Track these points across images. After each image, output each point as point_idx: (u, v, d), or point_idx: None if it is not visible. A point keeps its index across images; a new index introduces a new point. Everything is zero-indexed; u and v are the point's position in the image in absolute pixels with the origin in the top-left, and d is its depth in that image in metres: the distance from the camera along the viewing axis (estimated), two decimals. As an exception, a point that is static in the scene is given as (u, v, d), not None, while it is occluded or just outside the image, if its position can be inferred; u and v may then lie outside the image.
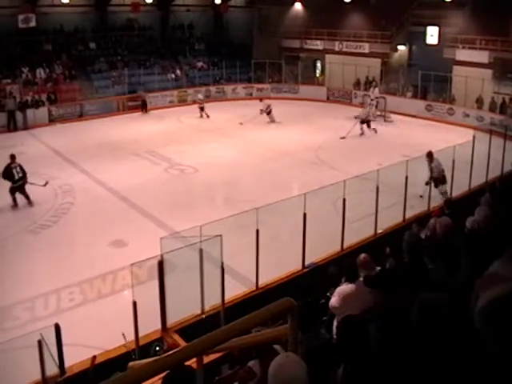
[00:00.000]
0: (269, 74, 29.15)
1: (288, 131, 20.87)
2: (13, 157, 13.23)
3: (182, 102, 27.27)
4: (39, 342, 5.74)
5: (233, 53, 30.38)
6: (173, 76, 28.56)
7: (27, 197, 13.04)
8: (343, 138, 19.22)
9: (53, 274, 9.35)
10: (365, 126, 20.05)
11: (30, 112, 22.60)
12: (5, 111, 22.25)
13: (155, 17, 31.51)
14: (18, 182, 13.00)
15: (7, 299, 8.53)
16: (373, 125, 20.27)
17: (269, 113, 22.44)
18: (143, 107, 25.28)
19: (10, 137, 20.61)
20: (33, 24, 26.33)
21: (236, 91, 28.94)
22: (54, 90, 24.72)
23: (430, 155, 12.35)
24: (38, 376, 5.85)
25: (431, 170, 12.19)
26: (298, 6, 30.95)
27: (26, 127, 22.09)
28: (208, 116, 23.64)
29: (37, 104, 23.48)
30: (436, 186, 12.02)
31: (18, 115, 22.24)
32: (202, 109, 23.87)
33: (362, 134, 19.96)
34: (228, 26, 33.53)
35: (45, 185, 13.43)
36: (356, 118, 20.82)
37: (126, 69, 27.07)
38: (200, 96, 24.81)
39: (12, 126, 22.06)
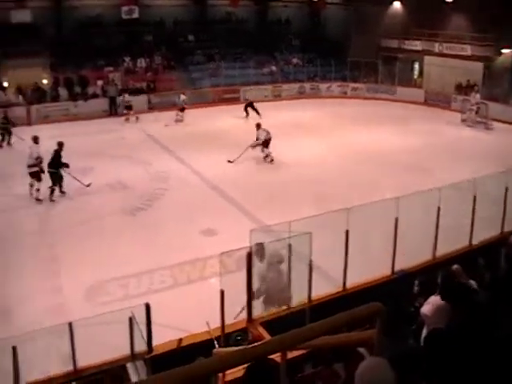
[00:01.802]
0: (364, 73, 28.71)
1: (383, 133, 20.39)
2: (61, 144, 13.60)
3: (277, 96, 27.44)
4: (130, 319, 6.04)
5: (328, 50, 30.12)
6: (268, 70, 28.83)
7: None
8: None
9: (146, 256, 9.79)
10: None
11: (131, 98, 23.62)
12: (107, 97, 23.56)
13: (253, 11, 31.91)
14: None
15: (104, 275, 9.07)
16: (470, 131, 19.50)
17: None
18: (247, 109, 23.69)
19: (112, 121, 21.80)
20: (135, 15, 27.56)
21: (330, 89, 28.74)
22: (153, 80, 25.76)
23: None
24: (126, 351, 6.17)
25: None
26: (396, 4, 30.10)
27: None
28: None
29: (138, 91, 24.58)
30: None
31: (120, 102, 23.41)
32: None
33: None
34: (324, 23, 33.31)
35: (88, 185, 13.79)
36: (463, 121, 20.14)
37: (222, 61, 27.70)
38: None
39: (113, 111, 23.35)
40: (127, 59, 26.77)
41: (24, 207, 12.74)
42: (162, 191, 13.71)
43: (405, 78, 28.25)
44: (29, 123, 21.78)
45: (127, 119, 22.46)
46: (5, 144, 18.86)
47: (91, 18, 27.23)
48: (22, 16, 25.76)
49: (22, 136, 17.81)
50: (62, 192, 13.46)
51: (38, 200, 13.11)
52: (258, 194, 13.29)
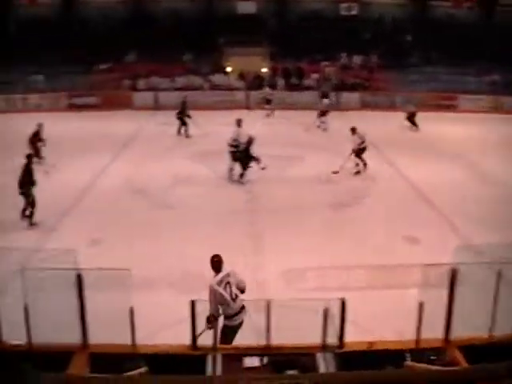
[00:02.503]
0: None
1: None
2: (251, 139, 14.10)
3: (496, 108, 25.35)
4: (325, 311, 6.14)
5: None
6: (489, 80, 26.80)
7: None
8: None
9: (345, 251, 9.93)
10: None
11: (345, 95, 23.85)
12: (320, 91, 23.98)
13: (477, 14, 29.82)
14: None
15: (303, 262, 9.39)
16: None
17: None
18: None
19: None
20: (354, 12, 27.69)
21: None
22: (367, 78, 25.69)
23: None
24: (316, 340, 6.29)
25: None
26: None
27: (338, 108, 23.24)
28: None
29: (353, 88, 24.72)
30: None
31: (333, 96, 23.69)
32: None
33: None
34: None
35: (263, 168, 14.21)
36: None
37: (440, 65, 26.48)
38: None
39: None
40: (343, 55, 27.07)
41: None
42: (368, 190, 13.74)
43: None
44: (247, 107, 23.42)
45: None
46: (182, 132, 19.25)
47: (311, 13, 28.05)
48: (247, 7, 27.71)
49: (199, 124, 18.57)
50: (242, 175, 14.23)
51: (235, 180, 14.19)
52: (471, 207, 12.52)
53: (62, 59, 26.29)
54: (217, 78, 25.24)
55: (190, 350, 5.57)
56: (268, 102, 23.06)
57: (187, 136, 18.88)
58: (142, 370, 4.73)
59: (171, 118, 19.27)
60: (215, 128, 18.81)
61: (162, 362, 5.25)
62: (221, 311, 6.46)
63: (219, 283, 6.38)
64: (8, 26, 29.01)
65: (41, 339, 5.49)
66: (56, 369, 4.88)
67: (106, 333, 5.75)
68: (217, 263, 6.54)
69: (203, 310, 5.83)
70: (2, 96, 24.70)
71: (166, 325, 6.99)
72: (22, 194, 11.01)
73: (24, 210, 11.13)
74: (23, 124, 21.08)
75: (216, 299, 6.32)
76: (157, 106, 23.33)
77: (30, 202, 11.09)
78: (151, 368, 5.03)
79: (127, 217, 11.76)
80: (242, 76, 25.39)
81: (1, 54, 26.60)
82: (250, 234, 10.73)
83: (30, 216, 11.17)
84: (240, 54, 25.74)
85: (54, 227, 11.17)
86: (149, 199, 13.02)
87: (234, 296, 6.51)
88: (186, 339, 5.65)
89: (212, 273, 6.48)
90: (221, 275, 6.47)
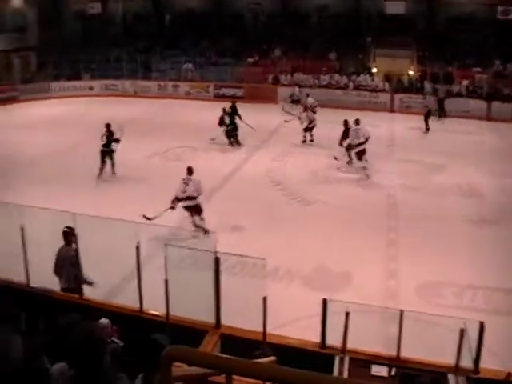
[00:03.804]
0: None
1: None
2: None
3: None
4: (461, 331, 5.74)
5: None
6: None
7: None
8: None
9: (490, 271, 9.24)
10: None
11: (497, 105, 22.27)
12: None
13: None
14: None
15: (439, 277, 8.94)
16: None
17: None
18: None
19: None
20: (512, 17, 25.57)
21: None
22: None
23: None
24: (449, 360, 5.92)
25: None
26: None
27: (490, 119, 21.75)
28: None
29: (507, 98, 22.77)
30: None
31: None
32: None
33: None
34: None
35: None
36: None
37: None
38: None
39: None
40: (497, 62, 25.22)
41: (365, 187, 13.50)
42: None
43: None
44: (391, 110, 22.83)
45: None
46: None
47: (464, 15, 26.45)
48: (396, 8, 26.85)
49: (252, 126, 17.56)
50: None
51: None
52: None
53: (212, 51, 27.59)
54: (361, 79, 24.83)
55: (318, 348, 5.51)
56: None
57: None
58: (272, 358, 4.75)
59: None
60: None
61: (290, 354, 5.25)
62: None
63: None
64: (163, 17, 30.98)
65: (177, 313, 5.75)
66: (188, 344, 5.08)
67: (238, 317, 5.90)
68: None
69: (335, 311, 5.73)
70: (155, 82, 26.57)
71: (296, 318, 7.01)
72: None
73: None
74: (174, 109, 22.66)
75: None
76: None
77: None
78: (278, 359, 5.05)
79: (266, 208, 12.01)
80: (387, 78, 24.71)
81: (156, 44, 28.64)
82: (386, 240, 10.42)
83: None
84: (387, 55, 25.09)
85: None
86: (288, 193, 13.17)
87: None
88: (314, 336, 5.62)
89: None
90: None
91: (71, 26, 31.21)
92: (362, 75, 24.89)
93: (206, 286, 5.90)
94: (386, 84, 24.32)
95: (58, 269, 7.07)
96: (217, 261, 5.81)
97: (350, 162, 14.89)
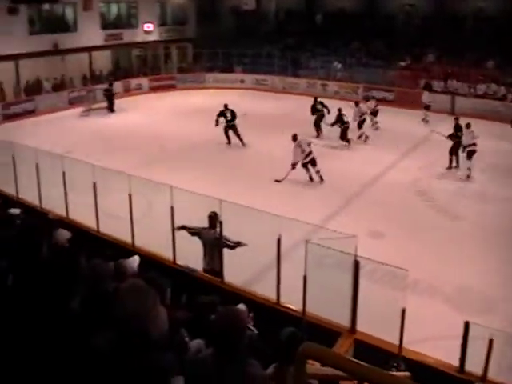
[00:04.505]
0: None
1: None
2: None
3: None
4: None
5: None
6: None
7: None
8: None
9: None
10: None
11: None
12: None
13: None
14: None
15: None
16: None
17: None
18: None
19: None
20: None
21: None
22: None
23: None
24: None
25: None
26: None
27: None
28: None
29: None
30: None
31: None
32: None
33: None
34: None
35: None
36: None
37: None
38: None
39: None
40: None
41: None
42: None
43: None
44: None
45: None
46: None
47: None
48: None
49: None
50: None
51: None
52: None
53: (362, 52, 27.15)
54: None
55: (456, 372, 5.18)
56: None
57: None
58: (407, 374, 4.55)
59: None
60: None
61: (424, 373, 5.00)
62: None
63: None
64: (315, 15, 31.10)
65: (312, 310, 5.75)
66: (319, 344, 5.04)
67: (371, 324, 5.74)
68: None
69: (477, 335, 5.35)
70: (304, 79, 26.85)
71: (431, 336, 6.67)
72: None
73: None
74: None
75: None
76: (452, 111, 22.18)
77: None
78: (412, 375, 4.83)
79: (410, 217, 11.59)
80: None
81: (307, 42, 28.87)
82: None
83: None
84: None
85: (336, 210, 11.66)
86: (435, 205, 12.57)
87: None
88: (448, 358, 5.30)
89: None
90: None
91: (226, 21, 32.65)
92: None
93: (342, 288, 5.82)
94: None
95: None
96: (356, 264, 5.70)
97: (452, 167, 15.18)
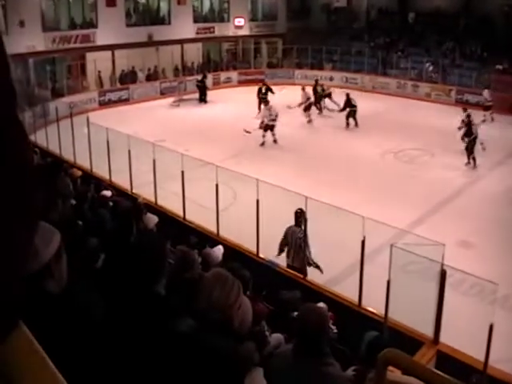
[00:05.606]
0: None
1: None
2: None
3: None
4: None
5: None
6: None
7: None
8: None
9: None
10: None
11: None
12: None
13: None
14: None
15: None
16: None
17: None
18: None
19: None
20: None
21: None
22: None
23: None
24: None
25: None
26: None
27: None
28: None
29: None
30: None
31: None
32: None
33: None
34: None
35: None
36: None
37: None
38: None
39: None
40: None
41: None
42: None
43: None
44: None
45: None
46: None
47: None
48: None
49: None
50: None
51: None
52: None
53: (456, 53, 26.01)
54: None
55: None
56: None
57: None
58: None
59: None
60: None
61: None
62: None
63: None
64: (407, 14, 30.11)
65: (394, 316, 5.60)
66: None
67: (457, 337, 5.52)
68: None
69: None
70: (395, 79, 26.14)
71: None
72: None
73: None
74: (411, 109, 21.85)
75: None
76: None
77: None
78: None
79: (504, 229, 10.77)
80: None
81: (398, 41, 28.07)
82: None
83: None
84: None
85: (424, 217, 11.29)
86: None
87: None
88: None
89: None
90: None
91: (317, 17, 32.36)
92: None
93: (426, 297, 5.64)
94: None
95: (283, 246, 7.44)
96: (443, 274, 5.50)
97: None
